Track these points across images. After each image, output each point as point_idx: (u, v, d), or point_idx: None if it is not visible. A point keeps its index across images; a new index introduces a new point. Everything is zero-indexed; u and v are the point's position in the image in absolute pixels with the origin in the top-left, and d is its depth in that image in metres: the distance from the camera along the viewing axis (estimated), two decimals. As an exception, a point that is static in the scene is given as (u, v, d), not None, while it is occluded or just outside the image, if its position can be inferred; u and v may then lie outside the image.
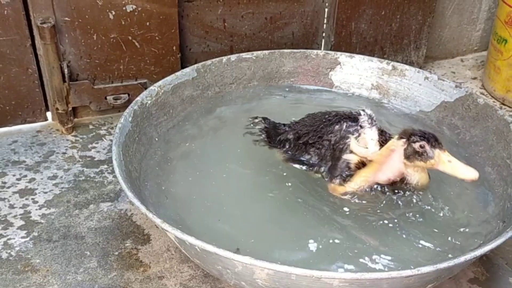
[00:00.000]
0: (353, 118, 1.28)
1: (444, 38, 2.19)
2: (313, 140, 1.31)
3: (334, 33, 1.90)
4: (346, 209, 1.24)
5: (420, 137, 1.17)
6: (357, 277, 0.95)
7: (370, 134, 1.24)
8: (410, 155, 1.19)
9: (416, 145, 1.17)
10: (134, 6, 1.63)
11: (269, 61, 1.66)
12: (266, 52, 1.65)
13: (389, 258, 1.16)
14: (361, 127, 1.26)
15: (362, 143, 1.25)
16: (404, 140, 1.19)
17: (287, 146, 1.38)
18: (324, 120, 1.32)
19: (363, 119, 1.26)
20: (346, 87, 1.67)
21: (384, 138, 1.26)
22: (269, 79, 1.67)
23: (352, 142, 1.25)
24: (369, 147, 1.23)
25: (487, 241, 1.08)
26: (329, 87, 1.67)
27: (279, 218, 1.25)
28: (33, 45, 1.61)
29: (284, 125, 1.44)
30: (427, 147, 1.16)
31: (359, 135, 1.26)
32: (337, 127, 1.28)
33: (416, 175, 1.23)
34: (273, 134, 1.43)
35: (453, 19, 2.15)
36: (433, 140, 1.17)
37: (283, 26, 1.88)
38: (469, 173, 1.15)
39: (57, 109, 1.67)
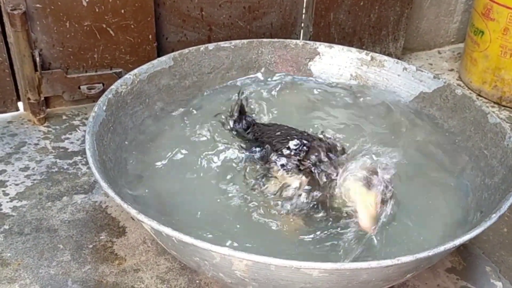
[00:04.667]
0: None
1: (421, 29, 2.19)
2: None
3: (313, 23, 1.89)
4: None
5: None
6: (337, 267, 0.94)
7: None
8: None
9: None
10: (108, -7, 1.59)
11: (248, 50, 1.63)
12: (245, 41, 1.63)
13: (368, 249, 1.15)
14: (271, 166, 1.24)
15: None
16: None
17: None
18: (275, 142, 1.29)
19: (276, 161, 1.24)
20: (325, 77, 1.66)
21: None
22: (248, 69, 1.64)
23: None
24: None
25: (465, 230, 1.08)
26: (308, 77, 1.66)
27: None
28: (3, 32, 1.55)
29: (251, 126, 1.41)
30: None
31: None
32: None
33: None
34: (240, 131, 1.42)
35: (431, 10, 2.16)
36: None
37: (262, 16, 1.85)
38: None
39: (28, 99, 1.62)
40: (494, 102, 1.96)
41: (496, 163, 1.29)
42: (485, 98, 1.98)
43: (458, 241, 1.00)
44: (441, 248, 0.98)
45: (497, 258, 1.33)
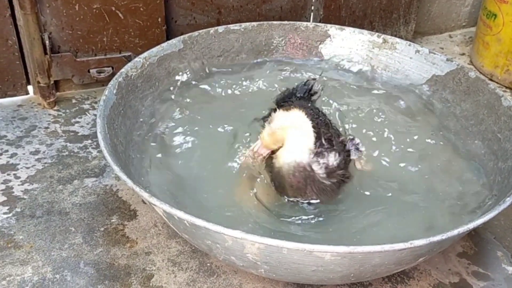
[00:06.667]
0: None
1: (433, 13, 2.16)
2: None
3: (323, 6, 1.87)
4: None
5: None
6: (349, 250, 0.94)
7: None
8: None
9: None
10: (117, -25, 1.57)
11: (258, 33, 1.62)
12: (255, 23, 1.61)
13: (378, 233, 1.15)
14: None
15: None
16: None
17: None
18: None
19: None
20: (336, 60, 1.64)
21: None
22: (258, 52, 1.63)
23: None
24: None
25: (478, 214, 1.08)
26: (319, 60, 1.64)
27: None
28: (13, 15, 1.54)
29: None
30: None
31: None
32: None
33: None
34: None
35: (443, -7, 2.13)
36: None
37: (271, -1, 1.83)
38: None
39: (38, 82, 1.62)
40: (506, 87, 1.93)
41: (510, 146, 1.27)
42: (497, 82, 1.95)
43: (472, 225, 1.00)
44: (455, 232, 0.97)
45: (509, 243, 1.32)
